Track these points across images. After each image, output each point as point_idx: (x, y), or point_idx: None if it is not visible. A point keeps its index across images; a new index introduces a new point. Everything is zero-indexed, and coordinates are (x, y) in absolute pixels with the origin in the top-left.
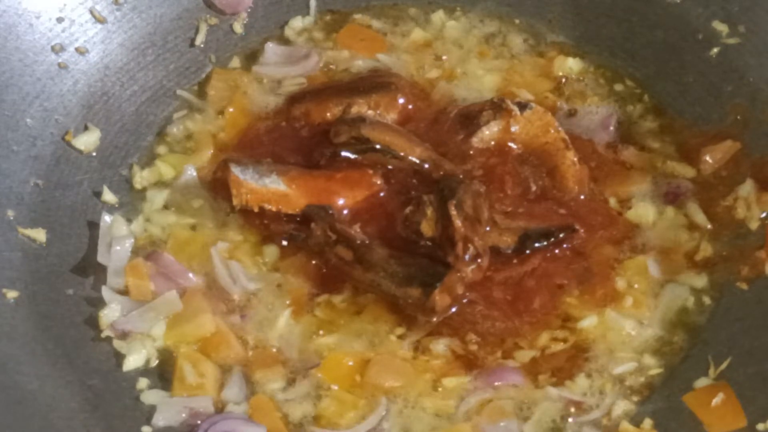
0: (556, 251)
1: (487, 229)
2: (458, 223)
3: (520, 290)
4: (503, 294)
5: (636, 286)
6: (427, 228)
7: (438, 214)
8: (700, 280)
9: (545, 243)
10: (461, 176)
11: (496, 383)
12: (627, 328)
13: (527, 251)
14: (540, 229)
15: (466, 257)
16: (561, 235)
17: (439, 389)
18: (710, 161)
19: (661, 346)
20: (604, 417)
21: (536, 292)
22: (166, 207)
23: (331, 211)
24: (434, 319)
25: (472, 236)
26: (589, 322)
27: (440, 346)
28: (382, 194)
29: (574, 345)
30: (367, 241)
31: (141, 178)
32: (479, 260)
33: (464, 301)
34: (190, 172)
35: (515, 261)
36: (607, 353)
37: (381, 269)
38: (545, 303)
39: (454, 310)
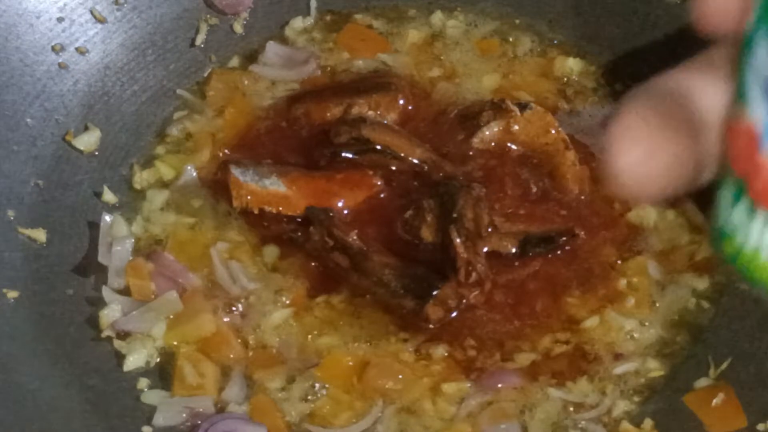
0: (558, 252)
1: (489, 230)
2: (461, 250)
3: (521, 293)
4: (505, 297)
5: (637, 286)
6: (427, 233)
7: (438, 224)
8: (701, 281)
9: (546, 248)
10: (461, 178)
11: (497, 386)
12: (628, 328)
13: (528, 254)
14: (541, 234)
15: (469, 282)
16: (562, 240)
17: (439, 393)
18: None
19: (663, 346)
20: (604, 416)
21: (538, 295)
22: (166, 207)
23: (331, 213)
24: (431, 326)
25: (474, 261)
26: (590, 323)
27: (439, 350)
28: (382, 195)
29: (575, 346)
30: (364, 248)
31: (141, 178)
32: (482, 286)
33: (462, 307)
34: (190, 172)
35: (516, 264)
36: (609, 354)
37: (376, 278)
38: (547, 306)
39: (454, 314)
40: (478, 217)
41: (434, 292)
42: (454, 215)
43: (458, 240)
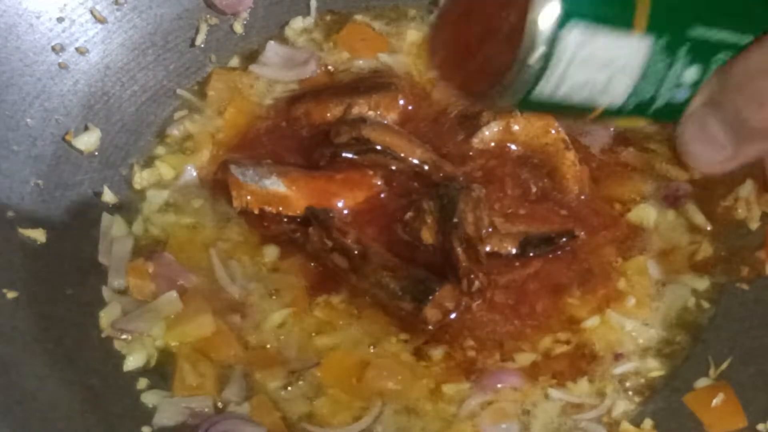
0: (558, 253)
1: (490, 230)
2: (463, 258)
3: (522, 294)
4: (505, 298)
5: (637, 287)
6: (427, 235)
7: (438, 226)
8: (701, 281)
9: (546, 248)
10: (461, 179)
11: (497, 386)
12: (628, 328)
13: (528, 255)
14: (541, 234)
15: (472, 290)
16: (562, 240)
17: (439, 394)
18: None
19: (663, 346)
20: (604, 416)
21: (538, 295)
22: (166, 207)
23: (331, 214)
24: (430, 327)
25: (477, 269)
26: (590, 323)
27: (439, 351)
28: (382, 195)
29: (575, 346)
30: (363, 250)
31: (141, 178)
32: (484, 293)
33: (461, 308)
34: (190, 172)
35: (516, 264)
36: (609, 354)
37: (375, 280)
38: (547, 306)
39: (453, 316)
40: (479, 219)
41: (432, 295)
42: (455, 220)
43: (460, 249)
